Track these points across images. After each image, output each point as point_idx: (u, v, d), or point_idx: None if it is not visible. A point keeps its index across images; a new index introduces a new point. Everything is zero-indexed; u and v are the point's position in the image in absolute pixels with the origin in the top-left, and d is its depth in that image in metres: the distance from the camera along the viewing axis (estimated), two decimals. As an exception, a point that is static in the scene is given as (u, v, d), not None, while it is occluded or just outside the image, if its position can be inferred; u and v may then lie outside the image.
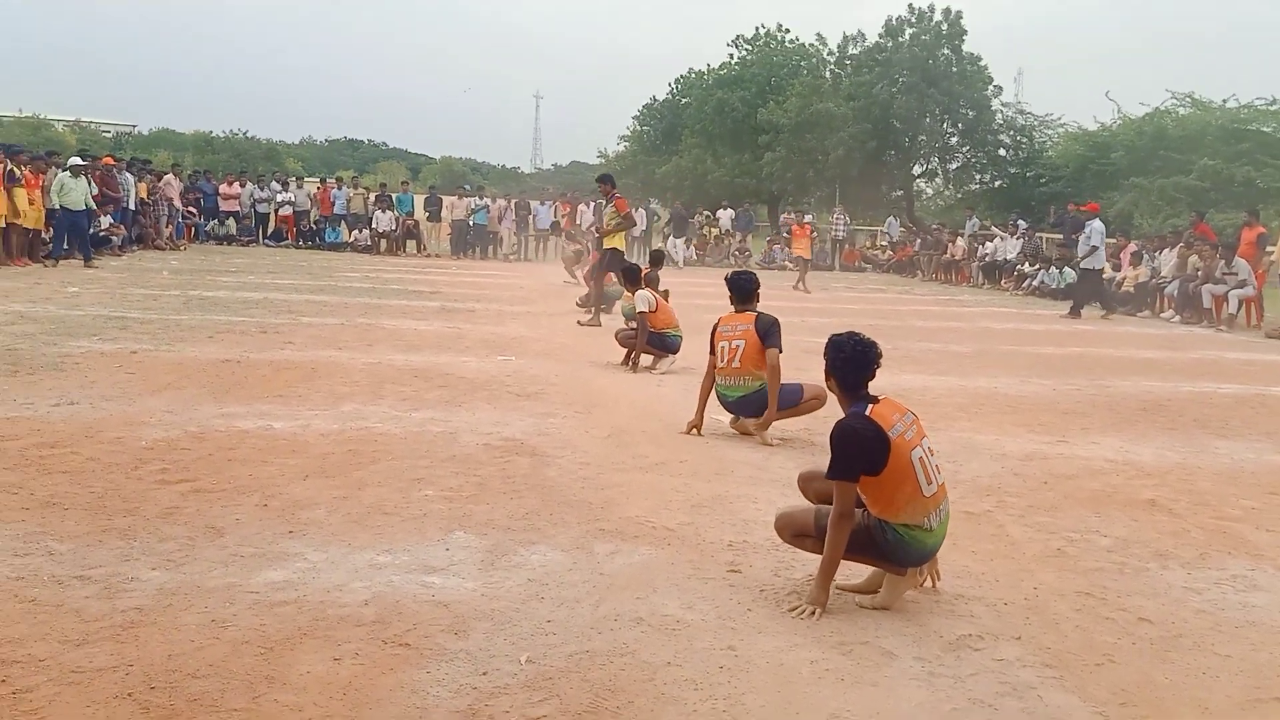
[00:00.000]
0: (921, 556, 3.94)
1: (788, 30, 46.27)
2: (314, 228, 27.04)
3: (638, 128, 52.34)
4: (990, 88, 37.50)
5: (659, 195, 43.93)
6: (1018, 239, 24.41)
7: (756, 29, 46.71)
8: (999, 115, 38.02)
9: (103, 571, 3.88)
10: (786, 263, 28.51)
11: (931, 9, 37.20)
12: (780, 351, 6.74)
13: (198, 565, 4.01)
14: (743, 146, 42.43)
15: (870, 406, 3.96)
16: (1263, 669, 3.54)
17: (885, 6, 40.95)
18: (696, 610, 3.81)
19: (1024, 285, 22.41)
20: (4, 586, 3.70)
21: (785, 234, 29.87)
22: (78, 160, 18.04)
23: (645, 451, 6.27)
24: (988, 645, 3.62)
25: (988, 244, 25.32)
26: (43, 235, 17.28)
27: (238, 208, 26.82)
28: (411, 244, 26.93)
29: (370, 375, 8.31)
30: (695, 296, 15.10)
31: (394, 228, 26.47)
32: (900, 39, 37.83)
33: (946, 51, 36.98)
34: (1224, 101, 31.38)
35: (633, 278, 10.12)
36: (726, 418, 7.00)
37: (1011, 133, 37.93)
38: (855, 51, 40.71)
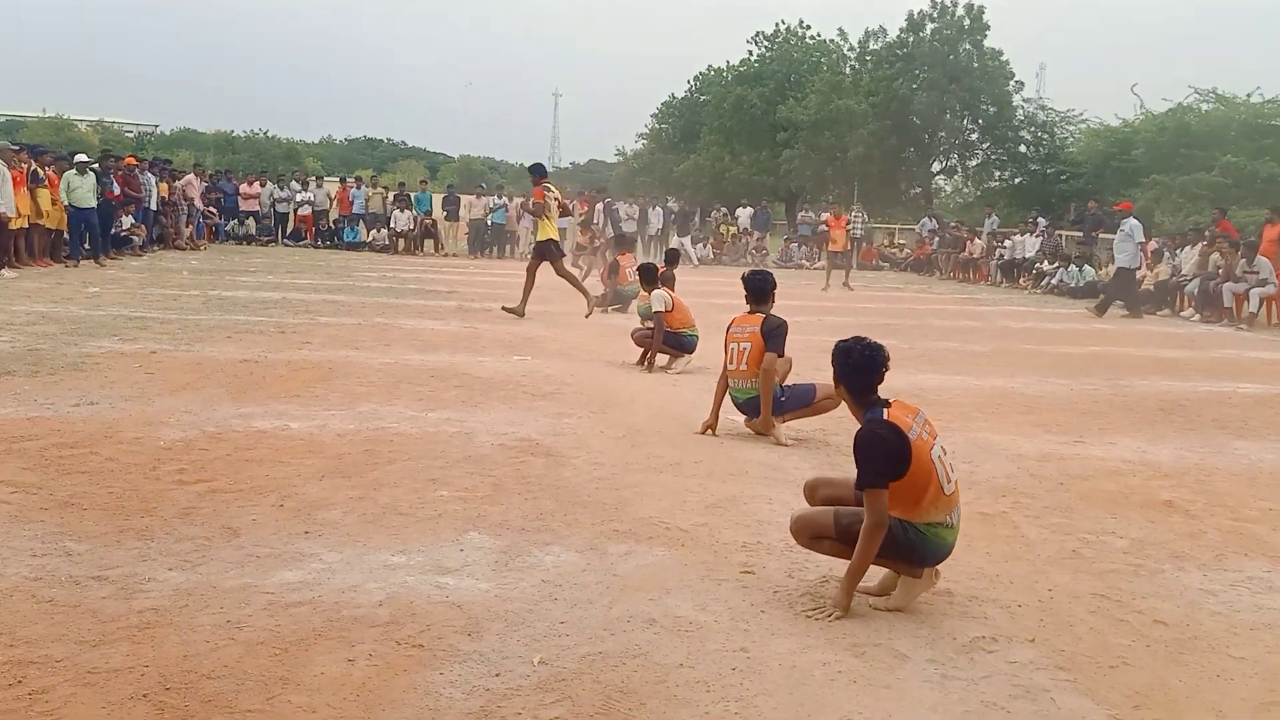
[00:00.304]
0: (942, 554, 3.94)
1: (808, 26, 46.23)
2: (333, 227, 27.17)
3: (656, 125, 52.43)
4: (1012, 83, 37.37)
5: (677, 193, 43.90)
6: (1037, 237, 24.27)
7: (776, 25, 46.67)
8: (1020, 111, 37.86)
9: (120, 572, 3.92)
10: (803, 261, 28.46)
11: (954, 2, 37.04)
12: (780, 355, 6.75)
13: (214, 566, 4.04)
14: (761, 144, 42.41)
15: (885, 410, 3.95)
16: (1278, 672, 3.52)
17: (908, 1, 40.63)
18: (709, 612, 3.81)
19: (1043, 284, 22.27)
20: (21, 587, 3.74)
21: (812, 231, 29.59)
22: (83, 157, 18.13)
23: (660, 452, 6.28)
24: (1001, 647, 3.61)
25: (1006, 242, 25.16)
26: (64, 235, 17.43)
27: (257, 207, 26.97)
28: (429, 243, 27.00)
29: (387, 375, 8.34)
30: (713, 296, 15.10)
31: (412, 227, 26.55)
32: (921, 34, 37.70)
33: (968, 46, 36.85)
34: (1248, 96, 31.09)
35: (649, 277, 10.12)
36: (741, 418, 7.00)
37: (1032, 129, 37.72)
38: (876, 47, 40.58)
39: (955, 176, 41.99)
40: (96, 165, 18.53)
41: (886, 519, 3.80)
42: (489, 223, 26.65)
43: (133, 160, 22.03)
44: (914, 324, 14.35)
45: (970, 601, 4.04)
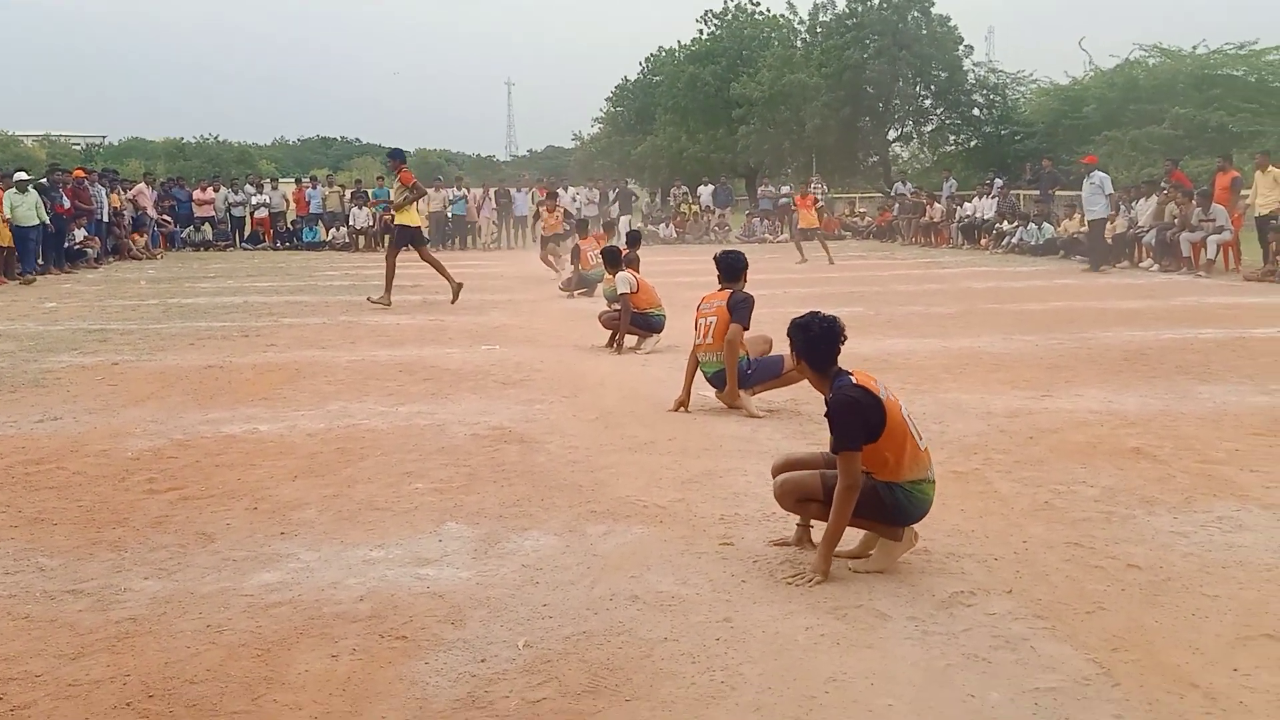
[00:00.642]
0: (925, 511, 3.99)
1: (757, 3, 46.07)
2: (291, 229, 26.91)
3: (611, 109, 52.13)
4: (961, 47, 37.46)
5: (636, 175, 43.84)
6: (992, 198, 24.44)
7: (725, 3, 46.48)
8: (971, 75, 38.00)
9: (95, 584, 3.88)
10: (765, 235, 28.52)
11: (900, -30, 37.06)
12: (745, 328, 6.78)
13: (190, 572, 4.01)
14: (717, 121, 42.32)
15: (852, 376, 3.99)
16: (1251, 607, 3.58)
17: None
18: (691, 585, 3.83)
19: (1003, 243, 22.44)
20: (-3, 605, 3.69)
21: (773, 205, 29.66)
22: (23, 175, 17.80)
23: (634, 432, 6.29)
24: (979, 601, 3.66)
25: (965, 205, 25.32)
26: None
27: (213, 213, 26.71)
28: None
29: (355, 372, 8.29)
30: (677, 275, 15.12)
31: (372, 224, 26.35)
32: (869, 2, 37.71)
33: (916, 14, 36.89)
34: (1194, 49, 31.46)
35: (613, 259, 10.10)
36: (712, 392, 7.02)
37: (984, 92, 37.88)
38: (825, 19, 40.56)
39: (912, 143, 42.10)
40: (43, 180, 18.22)
41: (860, 481, 3.83)
42: (449, 214, 26.50)
43: (81, 173, 21.71)
44: (878, 291, 14.43)
45: (947, 558, 4.08)
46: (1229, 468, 5.31)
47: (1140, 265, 18.03)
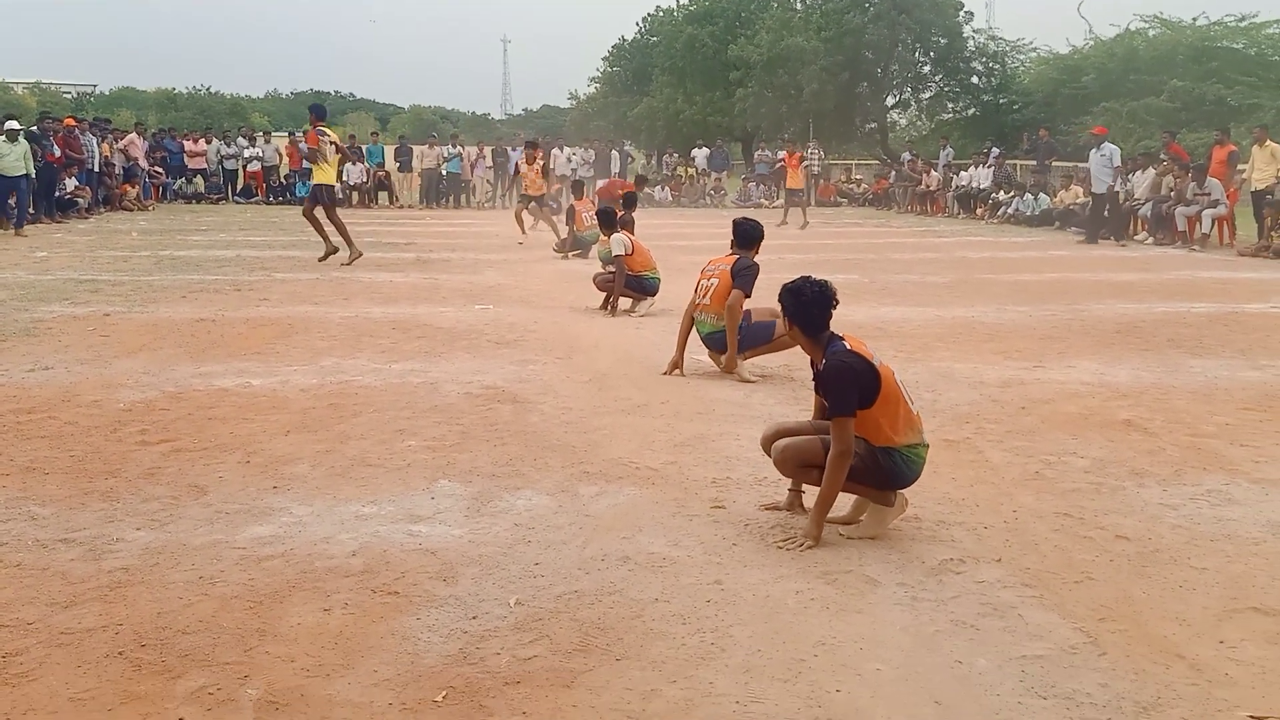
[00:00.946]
0: (918, 474, 4.01)
1: (757, -36, 45.59)
2: (284, 183, 26.69)
3: (608, 69, 51.75)
4: (961, 14, 37.19)
5: (632, 137, 43.53)
6: (988, 168, 24.36)
7: (724, -37, 45.98)
8: (971, 42, 37.75)
9: (87, 534, 3.88)
10: (761, 200, 28.40)
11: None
12: (747, 295, 6.75)
13: (182, 524, 4.01)
14: (714, 84, 42.01)
15: (845, 342, 3.98)
16: (1238, 580, 3.62)
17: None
18: (682, 547, 3.85)
19: (999, 213, 22.40)
20: (-12, 553, 3.69)
21: (770, 169, 29.47)
22: (13, 124, 17.55)
23: (627, 394, 6.29)
24: (969, 568, 3.68)
25: (962, 174, 25.24)
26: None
27: (205, 165, 26.45)
28: (383, 195, 26.67)
29: (348, 329, 8.27)
30: (673, 238, 15.06)
31: (365, 180, 26.16)
32: (870, -35, 37.35)
33: (917, -23, 36.57)
34: (1194, 20, 31.28)
35: (608, 221, 10.04)
36: (705, 354, 7.02)
37: (983, 60, 37.65)
38: (825, -19, 40.18)
39: (909, 110, 41.92)
40: (33, 129, 17.98)
41: (853, 447, 3.84)
42: (443, 172, 26.32)
43: (72, 121, 21.47)
44: (874, 258, 14.41)
45: (938, 526, 4.11)
46: (1219, 441, 5.34)
47: (1135, 238, 18.01)
